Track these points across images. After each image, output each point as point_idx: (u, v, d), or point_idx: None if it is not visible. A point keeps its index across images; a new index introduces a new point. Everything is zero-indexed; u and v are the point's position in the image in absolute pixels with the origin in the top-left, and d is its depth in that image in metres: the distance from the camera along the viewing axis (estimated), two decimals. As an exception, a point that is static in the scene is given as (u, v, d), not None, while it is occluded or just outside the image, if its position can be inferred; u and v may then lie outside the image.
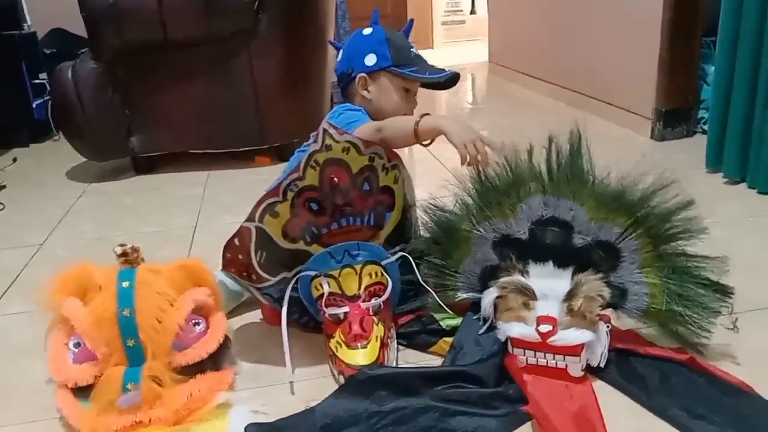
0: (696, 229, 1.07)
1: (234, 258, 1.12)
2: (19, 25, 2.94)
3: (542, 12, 3.36)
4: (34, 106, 2.88)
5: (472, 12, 5.39)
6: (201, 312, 1.08)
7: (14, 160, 2.64)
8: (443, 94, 4.19)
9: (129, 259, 1.07)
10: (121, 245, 1.07)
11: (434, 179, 1.43)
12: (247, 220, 1.09)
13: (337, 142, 1.08)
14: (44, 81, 2.90)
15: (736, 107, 1.95)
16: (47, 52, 3.10)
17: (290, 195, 1.08)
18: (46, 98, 2.91)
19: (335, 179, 1.10)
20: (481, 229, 1.17)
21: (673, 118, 2.42)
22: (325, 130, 1.06)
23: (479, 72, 4.38)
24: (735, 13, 1.92)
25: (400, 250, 1.20)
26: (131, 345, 1.00)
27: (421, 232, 1.26)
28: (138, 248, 1.09)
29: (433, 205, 1.26)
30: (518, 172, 1.16)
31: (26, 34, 2.89)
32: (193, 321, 1.06)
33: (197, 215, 1.94)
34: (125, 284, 1.02)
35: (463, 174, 1.21)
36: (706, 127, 2.24)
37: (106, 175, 2.37)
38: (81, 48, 3.02)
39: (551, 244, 1.12)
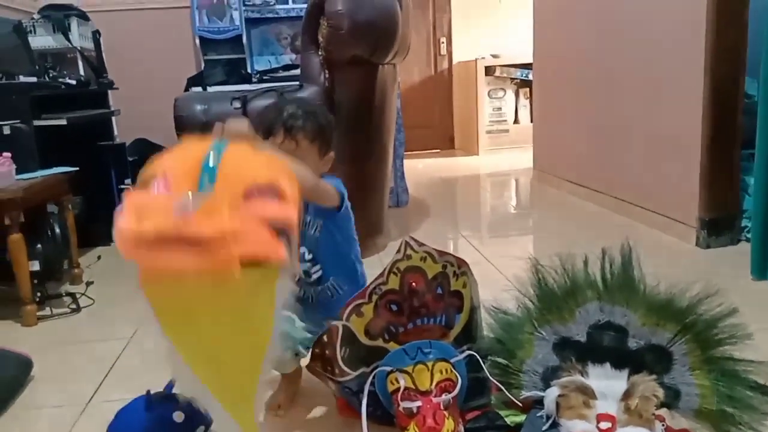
0: (741, 335, 1.18)
1: (321, 353, 1.26)
2: (112, 136, 3.29)
3: (585, 122, 3.58)
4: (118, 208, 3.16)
5: (516, 121, 5.69)
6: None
7: (99, 257, 2.88)
8: (488, 199, 4.40)
9: None
10: None
11: (498, 283, 1.57)
12: (335, 319, 1.25)
13: (416, 252, 1.25)
14: (128, 186, 3.20)
15: (776, 218, 2.07)
16: (131, 159, 3.43)
17: (374, 297, 1.24)
18: (129, 201, 3.21)
19: (413, 284, 1.25)
20: (542, 332, 1.29)
21: (717, 226, 2.53)
22: (406, 242, 1.24)
23: (523, 177, 4.59)
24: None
25: (468, 349, 1.33)
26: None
27: (486, 333, 1.39)
28: None
29: (496, 308, 1.39)
30: (575, 279, 1.30)
31: (117, 145, 3.23)
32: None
33: (270, 312, 2.10)
34: (219, 142, 0.97)
35: (524, 280, 1.35)
36: (749, 236, 2.34)
37: (184, 273, 2.58)
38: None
39: (608, 347, 1.23)
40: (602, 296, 1.26)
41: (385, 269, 1.24)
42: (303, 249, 1.39)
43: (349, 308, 1.24)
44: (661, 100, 2.80)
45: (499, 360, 1.32)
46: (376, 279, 1.24)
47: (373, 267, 1.41)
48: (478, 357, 1.31)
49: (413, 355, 1.28)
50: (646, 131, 2.94)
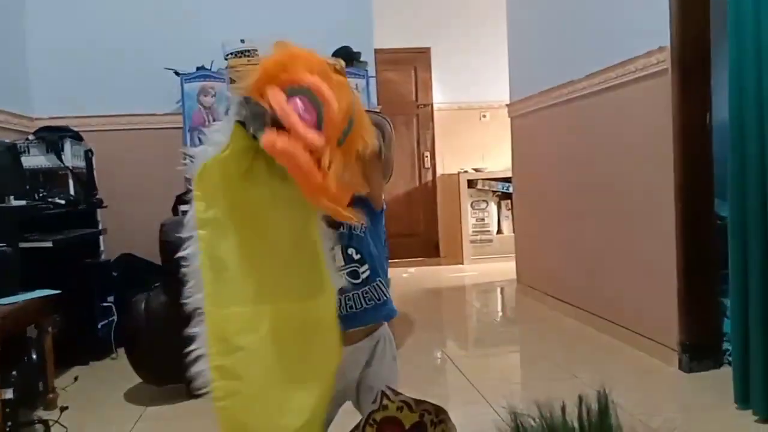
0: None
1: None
2: (98, 254, 3.31)
3: (563, 241, 3.66)
4: (99, 326, 3.13)
5: (499, 231, 5.80)
6: None
7: (75, 379, 2.82)
8: (473, 313, 4.40)
9: None
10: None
11: (481, 409, 1.55)
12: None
13: (392, 401, 1.24)
14: (111, 304, 3.19)
15: (756, 345, 2.07)
16: (114, 274, 3.43)
17: (350, 450, 1.22)
18: (110, 319, 3.18)
19: (390, 435, 1.24)
20: (522, 482, 1.27)
21: (699, 351, 2.53)
22: (383, 392, 1.23)
23: (508, 289, 4.62)
24: (741, 252, 2.13)
25: (446, 500, 1.29)
26: None
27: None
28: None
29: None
30: (553, 427, 1.29)
31: (102, 263, 3.24)
32: None
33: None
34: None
35: (503, 425, 1.34)
36: (731, 359, 2.34)
37: (162, 399, 2.52)
38: (145, 272, 3.36)
39: (588, 501, 1.21)
40: (581, 446, 1.25)
41: (360, 421, 1.23)
42: (351, 249, 1.36)
43: (325, 461, 1.22)
44: (635, 227, 2.89)
45: None
46: (351, 430, 1.23)
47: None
48: None
49: (391, 507, 1.24)
50: (623, 256, 3.00)
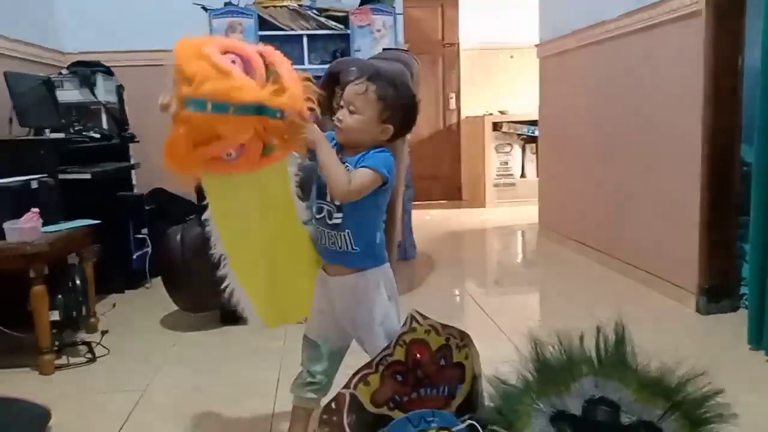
0: (727, 414, 1.24)
1: (329, 419, 1.33)
2: (131, 187, 3.42)
3: (587, 184, 3.68)
4: (134, 257, 3.26)
5: (522, 176, 5.80)
6: None
7: (114, 305, 2.97)
8: (494, 254, 4.48)
9: None
10: None
11: (500, 343, 1.63)
12: (344, 387, 1.32)
13: (421, 325, 1.33)
14: (145, 236, 3.31)
15: (772, 288, 2.13)
16: (147, 208, 3.55)
17: (381, 368, 1.32)
18: (144, 250, 3.31)
19: (418, 355, 1.33)
20: (540, 404, 1.36)
21: (716, 293, 2.59)
22: (412, 316, 1.32)
23: (529, 232, 4.67)
24: (764, 197, 2.15)
25: (469, 419, 1.39)
26: None
27: (487, 403, 1.45)
28: None
29: (497, 378, 1.46)
30: (571, 355, 1.37)
31: (136, 196, 3.35)
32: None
33: (279, 369, 2.17)
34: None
35: (523, 353, 1.42)
36: (748, 303, 2.39)
37: (196, 325, 2.66)
38: (177, 205, 3.47)
39: (601, 421, 1.29)
40: (597, 372, 1.33)
41: (391, 341, 1.32)
42: None
43: (357, 377, 1.32)
44: (660, 168, 2.90)
45: (499, 430, 1.38)
46: (383, 350, 1.32)
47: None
48: (478, 427, 1.37)
49: (417, 423, 1.35)
50: (646, 198, 3.03)
